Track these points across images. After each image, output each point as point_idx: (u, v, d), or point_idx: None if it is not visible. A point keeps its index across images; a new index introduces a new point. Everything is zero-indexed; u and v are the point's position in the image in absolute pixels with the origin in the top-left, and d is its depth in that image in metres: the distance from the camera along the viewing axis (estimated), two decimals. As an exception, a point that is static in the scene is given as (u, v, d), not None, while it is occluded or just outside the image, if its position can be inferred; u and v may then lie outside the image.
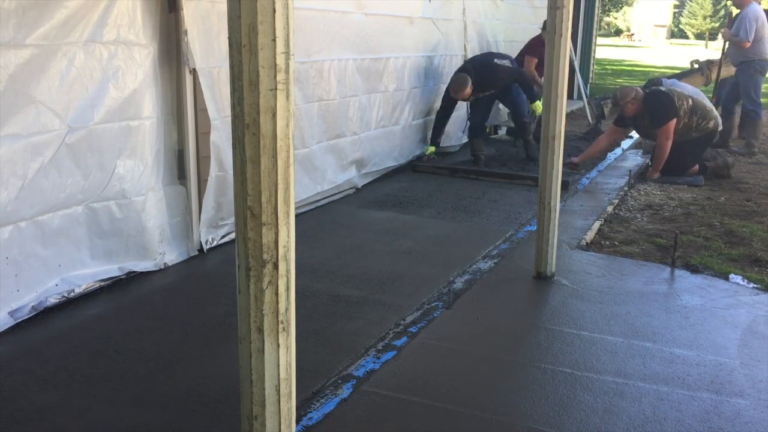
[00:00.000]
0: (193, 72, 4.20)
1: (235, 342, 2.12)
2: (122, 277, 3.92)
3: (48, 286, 3.53)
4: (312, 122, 5.45)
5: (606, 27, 66.03)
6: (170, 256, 4.22)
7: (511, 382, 3.08)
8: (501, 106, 8.37)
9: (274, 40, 1.84)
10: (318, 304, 3.77)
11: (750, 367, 3.23)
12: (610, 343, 3.44)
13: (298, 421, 2.63)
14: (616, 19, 70.02)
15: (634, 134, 8.61)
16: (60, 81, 3.43)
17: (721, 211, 5.89)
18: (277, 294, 2.00)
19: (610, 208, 5.82)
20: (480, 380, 3.06)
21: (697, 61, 9.77)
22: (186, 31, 4.06)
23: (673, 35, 71.15)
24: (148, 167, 3.97)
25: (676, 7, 74.15)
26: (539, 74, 8.04)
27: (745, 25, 8.22)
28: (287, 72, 1.89)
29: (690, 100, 6.89)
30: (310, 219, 5.31)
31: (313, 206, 5.57)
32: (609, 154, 8.06)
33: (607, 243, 5.00)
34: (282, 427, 2.10)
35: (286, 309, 2.04)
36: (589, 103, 10.57)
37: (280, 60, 1.86)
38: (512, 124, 8.27)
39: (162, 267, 4.14)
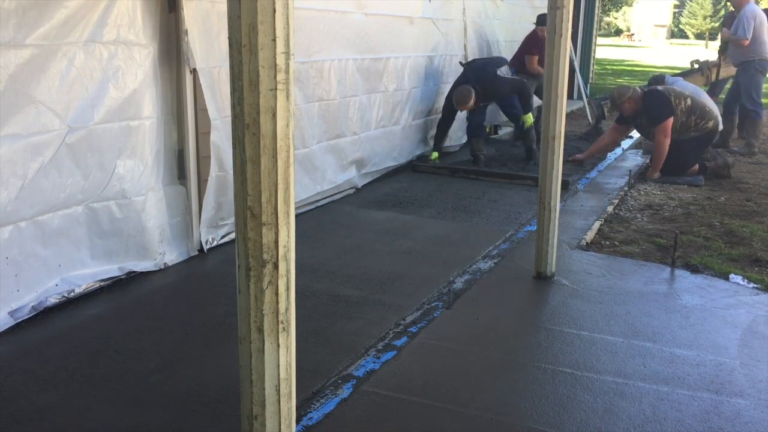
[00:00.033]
0: (194, 72, 4.20)
1: (235, 342, 2.12)
2: (122, 277, 3.92)
3: (48, 286, 3.53)
4: (312, 122, 5.45)
5: (606, 27, 66.03)
6: (170, 256, 4.22)
7: (511, 382, 3.08)
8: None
9: (274, 40, 1.84)
10: (318, 304, 3.77)
11: (750, 367, 3.23)
12: (610, 343, 3.44)
13: (298, 421, 2.63)
14: (616, 19, 70.04)
15: (635, 134, 8.62)
16: (60, 81, 3.43)
17: (721, 211, 5.89)
18: (277, 294, 2.00)
19: (610, 208, 5.82)
20: (480, 380, 3.06)
21: (697, 61, 9.78)
22: (186, 31, 4.06)
23: (673, 35, 71.16)
24: (148, 167, 3.97)
25: (676, 7, 74.15)
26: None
27: (743, 24, 8.24)
28: (287, 72, 1.89)
29: (688, 100, 6.90)
30: (310, 219, 5.31)
31: (313, 206, 5.57)
32: (609, 153, 8.07)
33: (607, 243, 5.00)
34: (282, 427, 2.10)
35: (286, 309, 2.04)
36: (589, 103, 10.57)
37: (280, 60, 1.86)
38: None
39: (162, 267, 4.14)
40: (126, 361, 3.11)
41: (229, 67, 1.89)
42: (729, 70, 9.13)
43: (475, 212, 5.70)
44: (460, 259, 4.52)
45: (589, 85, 13.78)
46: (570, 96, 11.93)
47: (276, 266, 1.98)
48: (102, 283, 3.81)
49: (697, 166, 7.02)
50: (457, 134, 8.02)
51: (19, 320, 3.36)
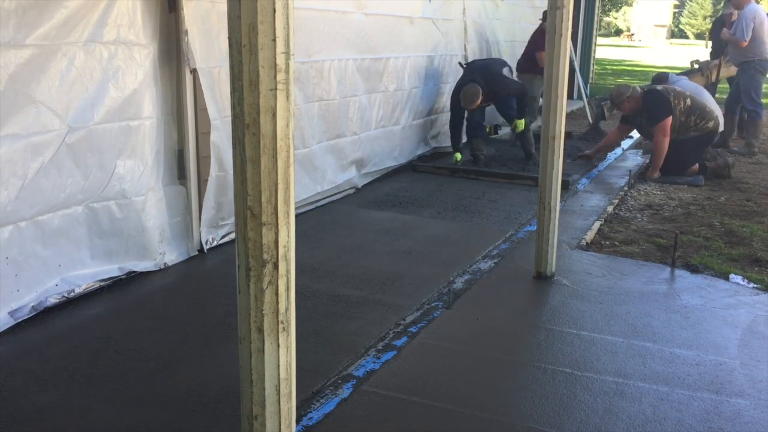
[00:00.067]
0: (194, 72, 4.20)
1: (235, 342, 2.12)
2: (122, 277, 3.92)
3: (48, 286, 3.53)
4: (312, 122, 5.45)
5: (606, 27, 66.01)
6: (170, 256, 4.22)
7: (511, 382, 3.08)
8: None
9: (274, 40, 1.84)
10: (318, 304, 3.77)
11: (750, 367, 3.23)
12: (610, 343, 3.44)
13: (298, 421, 2.63)
14: (616, 19, 70.02)
15: (635, 134, 8.62)
16: (60, 81, 3.43)
17: (721, 211, 5.89)
18: (277, 294, 2.00)
19: (610, 208, 5.82)
20: (480, 380, 3.06)
21: (697, 61, 9.78)
22: (186, 31, 4.06)
23: (673, 35, 71.18)
24: (148, 167, 3.97)
25: (676, 7, 74.16)
26: None
27: (742, 25, 8.23)
28: (287, 72, 1.89)
29: (688, 100, 6.90)
30: (310, 219, 5.31)
31: (313, 206, 5.57)
32: (609, 153, 8.08)
33: (607, 243, 5.00)
34: (282, 427, 2.10)
35: (286, 309, 2.04)
36: (589, 103, 10.58)
37: (280, 60, 1.86)
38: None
39: (162, 267, 4.14)
40: (126, 361, 3.11)
41: (229, 67, 1.89)
42: (729, 70, 9.13)
43: (475, 212, 5.70)
44: (460, 259, 4.52)
45: (589, 85, 13.78)
46: (570, 96, 11.94)
47: (276, 266, 1.98)
48: (102, 283, 3.81)
49: (697, 166, 7.02)
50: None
51: (19, 320, 3.36)
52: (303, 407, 2.76)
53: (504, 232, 5.18)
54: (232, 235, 4.23)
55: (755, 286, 4.21)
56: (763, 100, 8.82)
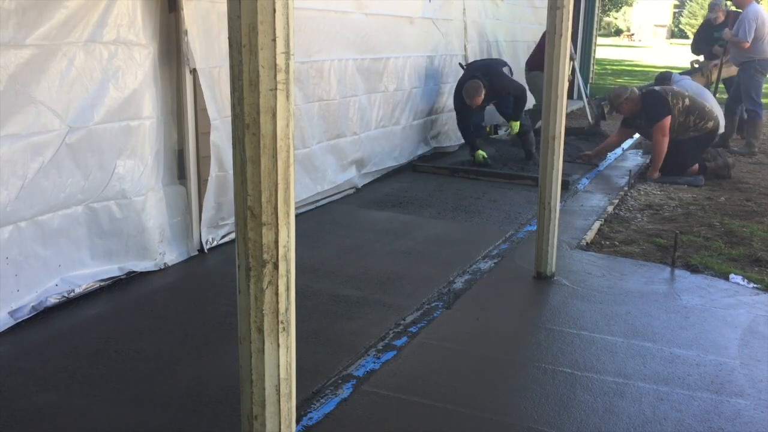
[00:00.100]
0: (193, 72, 4.20)
1: (235, 342, 2.11)
2: (122, 277, 3.92)
3: (48, 286, 3.53)
4: (312, 122, 5.45)
5: (606, 27, 65.98)
6: (170, 256, 4.22)
7: (511, 382, 3.08)
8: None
9: (274, 40, 1.84)
10: (318, 304, 3.77)
11: (750, 367, 3.23)
12: (610, 343, 3.44)
13: (298, 421, 2.63)
14: (616, 19, 70.01)
15: (635, 134, 8.62)
16: (60, 81, 3.43)
17: (721, 211, 5.89)
18: (277, 294, 2.00)
19: (610, 208, 5.82)
20: (480, 380, 3.06)
21: (697, 62, 9.78)
22: (186, 31, 4.06)
23: (673, 35, 71.16)
24: (148, 167, 3.97)
25: (676, 7, 74.14)
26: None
27: (744, 25, 8.22)
28: (287, 72, 1.89)
29: (687, 100, 6.91)
30: (310, 219, 5.31)
31: (313, 206, 5.57)
32: (609, 153, 8.08)
33: (607, 243, 5.00)
34: (282, 427, 2.10)
35: (286, 309, 2.04)
36: (589, 103, 10.58)
37: (280, 60, 1.86)
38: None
39: (162, 267, 4.14)
40: (126, 361, 3.11)
41: (229, 67, 1.89)
42: (730, 71, 9.13)
43: (475, 212, 5.70)
44: (460, 259, 4.52)
45: (589, 85, 13.78)
46: (570, 96, 11.93)
47: (276, 266, 1.98)
48: (102, 283, 3.81)
49: (697, 166, 7.02)
50: (457, 134, 8.02)
51: (19, 320, 3.36)
52: (303, 407, 2.76)
53: (504, 232, 5.18)
54: (232, 235, 4.23)
55: (755, 286, 4.21)
56: (764, 100, 8.82)
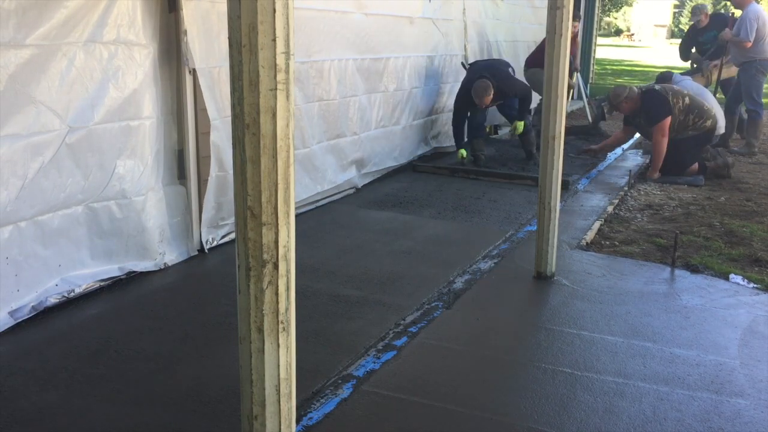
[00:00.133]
0: (193, 72, 4.20)
1: (235, 342, 2.11)
2: (122, 277, 3.92)
3: (48, 286, 3.53)
4: (312, 122, 5.45)
5: (606, 27, 65.97)
6: (170, 256, 4.22)
7: (511, 382, 3.08)
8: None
9: (274, 40, 1.84)
10: (318, 304, 3.77)
11: (750, 367, 3.23)
12: (610, 343, 3.44)
13: (298, 421, 2.63)
14: (616, 19, 70.00)
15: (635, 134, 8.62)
16: (60, 81, 3.43)
17: (721, 211, 5.89)
18: (277, 294, 2.00)
19: (610, 208, 5.82)
20: (480, 380, 3.06)
21: (698, 61, 9.77)
22: (185, 31, 4.06)
23: (673, 35, 71.13)
24: (148, 167, 3.97)
25: (676, 7, 74.13)
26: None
27: (745, 25, 8.22)
28: (287, 72, 1.89)
29: (686, 99, 6.91)
30: (310, 219, 5.31)
31: (313, 206, 5.57)
32: (610, 153, 8.09)
33: (607, 243, 5.00)
34: (282, 427, 2.10)
35: (286, 309, 2.04)
36: (589, 103, 10.58)
37: (280, 60, 1.86)
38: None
39: (162, 267, 4.14)
40: (126, 361, 3.11)
41: (229, 67, 1.89)
42: (730, 71, 9.13)
43: (475, 212, 5.70)
44: (460, 259, 4.52)
45: (589, 85, 13.78)
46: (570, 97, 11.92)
47: (276, 266, 1.98)
48: (102, 283, 3.81)
49: (696, 166, 7.02)
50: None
51: (19, 320, 3.36)
52: (303, 407, 2.76)
53: (504, 232, 5.18)
54: (232, 235, 4.23)
55: (755, 286, 4.21)
56: (764, 100, 8.82)
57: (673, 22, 73.96)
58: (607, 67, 24.81)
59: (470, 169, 7.06)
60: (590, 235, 5.09)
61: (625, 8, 63.17)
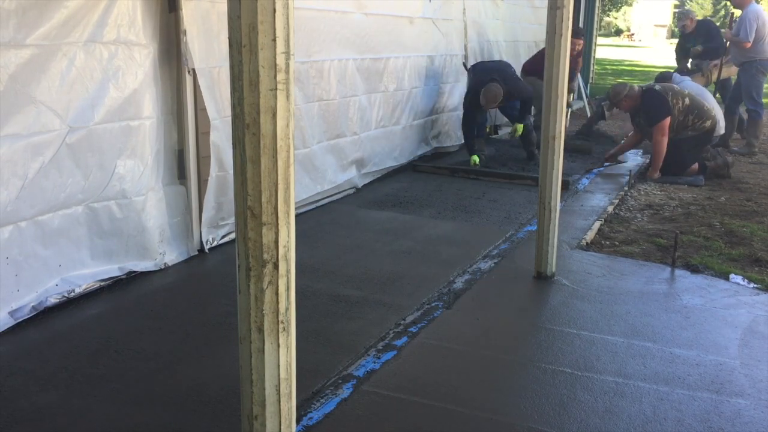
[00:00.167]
0: (193, 72, 4.20)
1: (235, 342, 2.11)
2: (122, 277, 3.92)
3: (48, 286, 3.53)
4: (312, 122, 5.45)
5: (606, 27, 65.96)
6: (170, 256, 4.22)
7: (511, 382, 3.08)
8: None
9: (274, 40, 1.84)
10: (318, 304, 3.77)
11: (750, 367, 3.23)
12: (610, 343, 3.44)
13: (298, 421, 2.63)
14: (616, 19, 69.98)
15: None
16: (60, 81, 3.43)
17: (722, 211, 5.89)
18: (277, 294, 2.00)
19: (610, 208, 5.82)
20: (480, 380, 3.06)
21: (697, 63, 9.78)
22: (185, 31, 4.06)
23: (673, 35, 71.13)
24: (148, 167, 3.97)
25: (676, 7, 74.13)
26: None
27: (745, 25, 8.23)
28: (287, 72, 1.89)
29: (686, 99, 6.91)
30: (310, 219, 5.31)
31: (313, 206, 5.57)
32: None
33: (608, 243, 5.00)
34: (282, 427, 2.10)
35: (286, 309, 2.04)
36: (589, 103, 10.58)
37: (280, 60, 1.86)
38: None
39: (162, 267, 4.14)
40: (126, 361, 3.11)
41: (229, 67, 1.89)
42: (730, 70, 9.14)
43: (476, 212, 5.70)
44: (460, 259, 4.52)
45: (589, 85, 13.78)
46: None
47: (276, 266, 1.98)
48: (102, 283, 3.81)
49: (696, 166, 7.02)
50: (457, 134, 8.03)
51: (19, 320, 3.36)
52: (303, 407, 2.76)
53: (504, 232, 5.18)
54: (233, 235, 4.23)
55: (755, 286, 4.21)
56: (764, 100, 8.82)
57: (673, 22, 73.93)
58: (607, 67, 24.81)
59: (470, 169, 7.06)
60: (590, 235, 5.09)
61: (625, 8, 63.13)
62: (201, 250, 4.45)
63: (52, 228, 3.51)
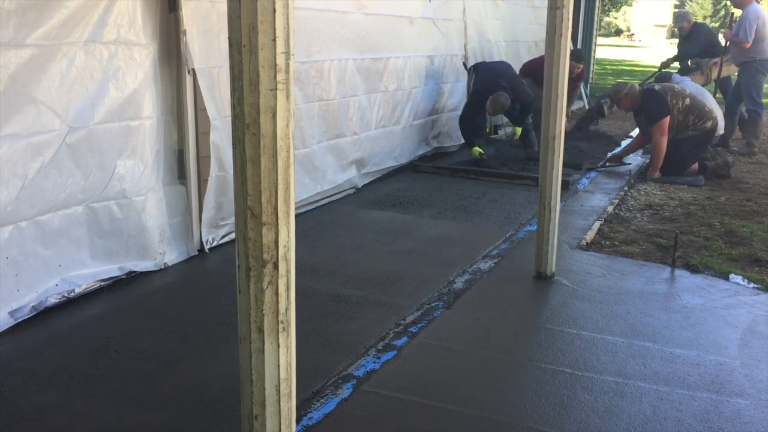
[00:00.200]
0: (193, 72, 4.20)
1: (235, 342, 2.11)
2: (122, 277, 3.92)
3: (48, 286, 3.53)
4: (312, 122, 5.45)
5: (606, 27, 65.98)
6: (170, 256, 4.22)
7: (511, 382, 3.08)
8: None
9: (274, 40, 1.84)
10: (318, 304, 3.77)
11: (750, 367, 3.23)
12: (610, 343, 3.44)
13: (298, 421, 2.63)
14: (616, 19, 70.00)
15: (633, 133, 8.62)
16: (60, 81, 3.43)
17: (722, 211, 5.89)
18: (277, 294, 2.00)
19: (610, 208, 5.82)
20: (480, 380, 3.06)
21: (697, 62, 9.78)
22: (185, 31, 4.06)
23: (673, 35, 71.14)
24: (148, 167, 3.97)
25: (676, 7, 74.13)
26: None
27: (745, 26, 8.23)
28: (287, 72, 1.89)
29: (687, 99, 6.91)
30: (310, 219, 5.31)
31: (313, 206, 5.57)
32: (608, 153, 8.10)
33: (608, 243, 5.00)
34: (282, 427, 2.10)
35: (286, 309, 2.04)
36: (589, 103, 10.58)
37: (280, 60, 1.86)
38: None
39: (162, 267, 4.14)
40: (126, 361, 3.11)
41: (229, 67, 1.89)
42: (730, 70, 9.14)
43: (475, 212, 5.70)
44: (461, 259, 4.52)
45: (589, 85, 13.78)
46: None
47: (276, 266, 1.98)
48: (102, 283, 3.81)
49: (696, 166, 7.02)
50: (457, 133, 8.03)
51: (19, 320, 3.36)
52: (303, 407, 2.76)
53: (504, 232, 5.18)
54: (233, 235, 4.23)
55: (755, 286, 4.21)
56: (764, 100, 8.82)
57: (673, 23, 73.95)
58: (607, 67, 24.79)
59: (470, 169, 7.06)
60: (590, 235, 5.09)
61: (625, 8, 63.18)
62: (201, 250, 4.45)
63: (52, 228, 3.51)
